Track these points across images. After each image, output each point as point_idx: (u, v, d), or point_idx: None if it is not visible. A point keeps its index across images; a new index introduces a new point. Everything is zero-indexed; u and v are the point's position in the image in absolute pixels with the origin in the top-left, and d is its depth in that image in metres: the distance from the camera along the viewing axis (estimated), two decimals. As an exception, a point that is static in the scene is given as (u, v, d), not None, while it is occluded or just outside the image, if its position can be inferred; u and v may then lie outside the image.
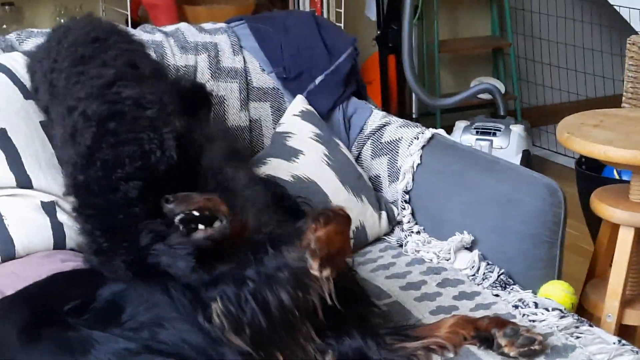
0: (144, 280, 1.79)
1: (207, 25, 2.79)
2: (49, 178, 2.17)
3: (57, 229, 2.13)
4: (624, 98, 3.94)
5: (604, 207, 2.38)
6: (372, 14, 4.66)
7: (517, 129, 4.47)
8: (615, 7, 4.45)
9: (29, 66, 2.29)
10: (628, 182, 2.43)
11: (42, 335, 1.66)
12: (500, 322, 1.89)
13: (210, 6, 4.09)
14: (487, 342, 1.85)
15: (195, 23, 2.82)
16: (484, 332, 1.86)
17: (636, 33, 3.87)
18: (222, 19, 2.92)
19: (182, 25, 2.75)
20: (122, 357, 1.60)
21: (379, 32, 4.60)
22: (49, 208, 2.14)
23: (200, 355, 1.66)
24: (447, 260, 2.31)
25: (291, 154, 2.51)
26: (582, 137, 2.35)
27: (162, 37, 2.63)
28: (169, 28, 2.72)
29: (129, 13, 3.86)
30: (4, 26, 3.82)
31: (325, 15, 4.11)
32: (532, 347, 1.82)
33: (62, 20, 3.89)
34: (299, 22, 2.88)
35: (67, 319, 1.71)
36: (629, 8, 4.27)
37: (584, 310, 2.45)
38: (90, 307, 1.75)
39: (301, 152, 2.52)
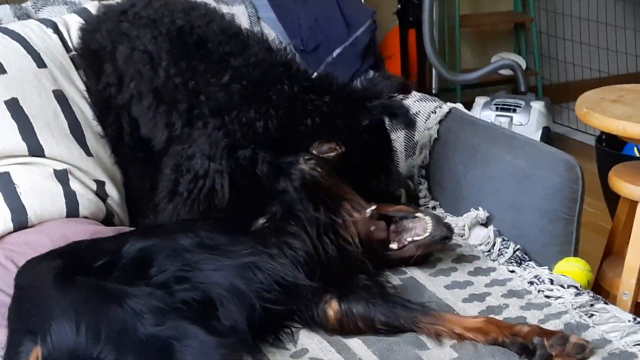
0: (169, 230, 1.93)
1: (225, -4, 2.77)
2: (61, 146, 2.17)
3: (70, 197, 2.13)
4: (646, 75, 3.89)
5: (622, 184, 2.36)
6: (393, -13, 4.63)
7: (537, 106, 4.43)
8: (639, -18, 4.39)
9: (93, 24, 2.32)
10: (648, 159, 2.41)
11: (77, 282, 1.69)
12: (543, 330, 1.78)
13: (229, -23, 4.05)
14: (527, 351, 1.74)
15: (213, -6, 2.80)
16: (522, 339, 1.76)
17: (660, 9, 3.82)
18: (240, -11, 2.90)
19: (200, -4, 2.73)
20: (154, 313, 1.62)
21: (399, 6, 4.56)
22: (62, 176, 2.14)
23: (230, 293, 1.76)
24: (462, 236, 2.29)
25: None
26: (600, 112, 2.33)
27: (179, 8, 2.61)
28: (186, -1, 2.70)
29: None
30: (22, -5, 3.81)
31: (345, -12, 4.08)
32: (584, 356, 1.72)
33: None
34: (318, -6, 2.86)
35: (99, 276, 1.73)
36: (653, -16, 4.22)
37: (600, 287, 2.43)
38: (118, 265, 1.78)
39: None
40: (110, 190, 2.22)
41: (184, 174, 2.08)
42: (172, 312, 1.65)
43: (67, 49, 2.36)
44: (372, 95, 2.18)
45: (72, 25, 2.40)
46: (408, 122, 2.18)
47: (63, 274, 1.71)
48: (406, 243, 2.05)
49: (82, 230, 2.02)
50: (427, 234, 2.03)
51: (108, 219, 2.20)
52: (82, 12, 2.45)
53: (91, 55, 2.30)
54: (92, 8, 2.45)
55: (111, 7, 2.34)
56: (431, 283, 2.06)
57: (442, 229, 2.04)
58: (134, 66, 2.19)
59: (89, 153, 2.22)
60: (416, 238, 2.04)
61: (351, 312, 1.83)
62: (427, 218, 2.04)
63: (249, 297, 1.77)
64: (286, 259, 1.85)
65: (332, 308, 1.84)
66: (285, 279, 1.82)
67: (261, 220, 1.96)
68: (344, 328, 1.83)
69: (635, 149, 3.43)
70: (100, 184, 2.20)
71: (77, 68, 2.34)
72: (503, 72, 4.78)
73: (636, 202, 2.34)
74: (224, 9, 2.67)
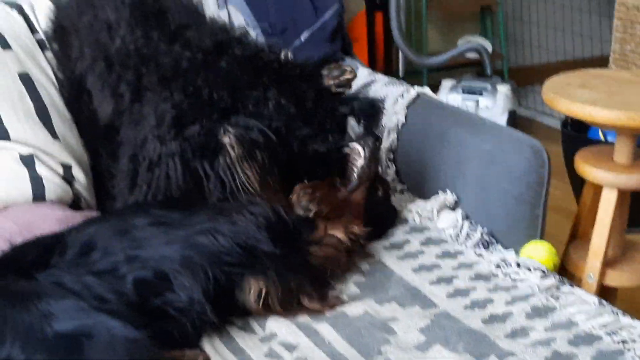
0: (119, 212, 1.97)
1: (192, -22, 2.75)
2: (27, 130, 2.14)
3: (36, 181, 2.10)
4: (611, 59, 3.93)
5: (588, 168, 2.38)
6: (359, -30, 4.62)
7: (503, 89, 4.46)
8: (604, -34, 4.42)
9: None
10: (613, 143, 2.42)
11: None
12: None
13: (195, -41, 4.01)
14: None
15: (179, -24, 2.77)
16: None
17: (625, -7, 3.84)
18: (207, -29, 2.88)
19: (166, -22, 2.70)
20: (65, 312, 1.60)
21: (366, -11, 4.56)
22: (28, 160, 2.11)
23: (180, 265, 1.75)
24: (430, 220, 2.30)
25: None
26: (566, 97, 2.34)
27: (145, -11, 2.58)
28: (152, -20, 2.67)
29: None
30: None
31: (312, -29, 4.07)
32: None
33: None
34: (285, -23, 2.85)
35: (31, 271, 1.71)
36: (619, -32, 4.24)
37: (565, 270, 2.45)
38: (62, 255, 1.76)
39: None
40: (77, 173, 2.19)
41: (141, 164, 2.03)
42: (90, 309, 1.62)
43: (33, 30, 2.33)
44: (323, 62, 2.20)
45: (38, 6, 2.36)
46: (374, 126, 2.20)
47: None
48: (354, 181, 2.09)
49: (48, 215, 2.00)
50: (361, 158, 2.08)
51: (75, 203, 2.18)
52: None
53: (61, 33, 2.26)
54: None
55: None
56: (399, 267, 2.07)
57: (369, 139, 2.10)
58: (92, 35, 2.16)
59: (55, 136, 2.19)
60: (357, 165, 2.08)
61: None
62: (354, 145, 2.08)
63: (201, 266, 1.76)
64: (248, 222, 1.85)
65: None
66: (247, 241, 1.82)
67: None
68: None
69: (600, 132, 3.46)
70: (67, 167, 2.18)
71: (43, 50, 2.31)
72: (469, 55, 4.80)
73: (601, 186, 2.36)
74: (192, -10, 2.66)
